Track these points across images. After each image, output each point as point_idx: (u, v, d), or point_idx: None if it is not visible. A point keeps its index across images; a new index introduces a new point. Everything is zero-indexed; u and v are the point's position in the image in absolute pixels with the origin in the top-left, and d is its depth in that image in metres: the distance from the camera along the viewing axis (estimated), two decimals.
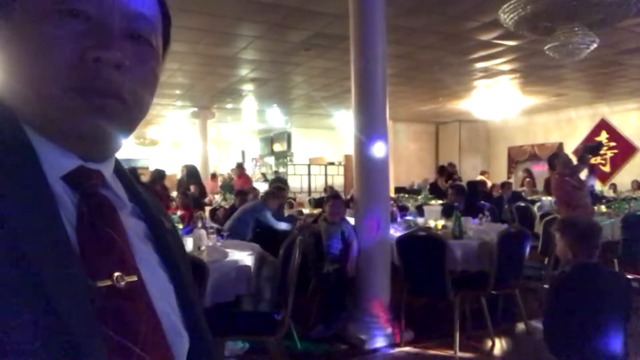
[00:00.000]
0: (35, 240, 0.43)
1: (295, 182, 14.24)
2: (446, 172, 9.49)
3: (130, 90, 0.52)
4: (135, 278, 0.51)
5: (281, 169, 16.36)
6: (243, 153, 19.52)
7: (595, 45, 5.42)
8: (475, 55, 7.41)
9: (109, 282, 0.48)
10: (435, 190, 8.97)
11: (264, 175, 15.04)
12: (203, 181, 9.91)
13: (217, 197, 10.78)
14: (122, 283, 0.49)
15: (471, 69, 8.31)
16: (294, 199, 10.17)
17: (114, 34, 0.51)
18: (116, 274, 0.49)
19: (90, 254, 0.48)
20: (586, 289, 2.26)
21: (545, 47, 5.49)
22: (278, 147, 17.05)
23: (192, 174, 9.25)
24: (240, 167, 11.07)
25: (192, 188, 8.26)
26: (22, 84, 0.50)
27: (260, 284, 3.40)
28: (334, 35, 6.10)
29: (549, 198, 8.51)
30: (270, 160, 17.67)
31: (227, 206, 7.33)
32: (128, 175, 0.63)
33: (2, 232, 0.42)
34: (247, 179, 10.70)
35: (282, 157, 16.61)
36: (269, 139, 17.54)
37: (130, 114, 0.54)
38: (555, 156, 5.74)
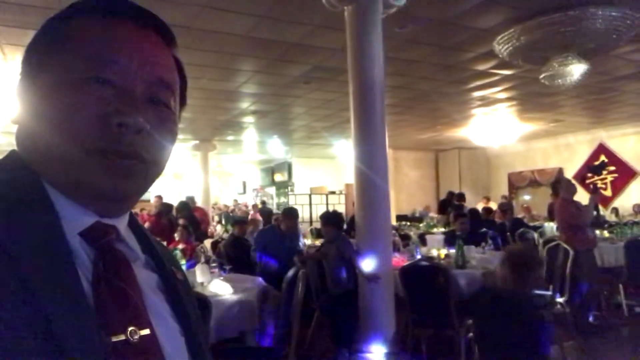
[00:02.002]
0: (53, 295, 0.44)
1: None
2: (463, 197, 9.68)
3: (150, 151, 0.56)
4: (148, 332, 0.52)
5: (282, 199, 16.36)
6: (244, 184, 19.58)
7: (587, 74, 5.51)
8: (473, 85, 7.53)
9: (123, 337, 0.49)
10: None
11: (264, 204, 15.01)
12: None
13: (219, 229, 10.78)
14: (136, 337, 0.50)
15: (469, 97, 8.42)
16: None
17: (137, 100, 0.55)
18: (130, 328, 0.50)
19: (105, 309, 0.49)
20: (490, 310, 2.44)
21: (540, 76, 5.60)
22: (279, 177, 17.12)
23: (181, 207, 9.30)
24: (192, 200, 10.98)
25: (181, 222, 8.19)
26: (46, 145, 0.53)
27: (264, 319, 3.37)
28: (332, 68, 6.22)
29: (551, 224, 8.49)
30: (271, 190, 17.70)
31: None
32: (141, 227, 0.65)
33: (21, 286, 0.43)
34: (201, 211, 10.72)
35: (283, 187, 16.65)
36: (270, 169, 17.63)
37: (149, 173, 0.57)
38: (558, 182, 5.81)
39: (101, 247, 0.54)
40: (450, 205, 10.55)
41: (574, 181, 6.33)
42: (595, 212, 5.47)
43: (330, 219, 4.63)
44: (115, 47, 0.55)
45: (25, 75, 0.56)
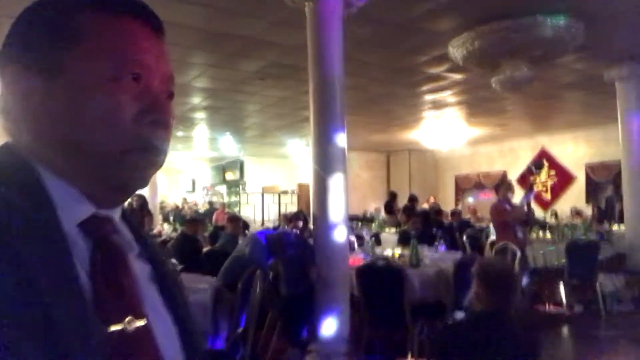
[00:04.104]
0: (51, 286, 0.45)
1: (249, 212, 14.05)
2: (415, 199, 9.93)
3: (168, 144, 0.59)
4: (143, 322, 0.53)
5: (233, 198, 16.09)
6: (193, 182, 19.11)
7: (533, 80, 5.75)
8: (424, 88, 7.69)
9: (120, 327, 0.50)
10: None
11: (211, 204, 14.71)
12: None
13: (166, 227, 10.44)
14: (132, 327, 0.51)
15: (420, 100, 8.60)
16: (247, 229, 10.00)
17: (163, 97, 0.58)
18: (127, 318, 0.51)
19: (103, 300, 0.50)
20: (477, 341, 1.96)
21: (492, 80, 5.78)
22: (230, 175, 16.81)
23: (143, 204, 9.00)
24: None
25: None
26: (71, 140, 0.53)
27: (217, 320, 3.26)
28: (289, 65, 6.15)
29: None
30: (222, 189, 17.36)
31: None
32: (131, 218, 0.65)
33: (19, 278, 0.43)
34: None
35: (235, 186, 16.37)
36: (221, 167, 17.26)
37: (163, 164, 0.60)
38: (501, 184, 6.03)
39: (98, 238, 0.55)
40: (392, 205, 10.80)
41: (515, 183, 6.59)
42: (526, 210, 5.52)
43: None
44: (140, 46, 0.56)
45: (27, 70, 0.54)
